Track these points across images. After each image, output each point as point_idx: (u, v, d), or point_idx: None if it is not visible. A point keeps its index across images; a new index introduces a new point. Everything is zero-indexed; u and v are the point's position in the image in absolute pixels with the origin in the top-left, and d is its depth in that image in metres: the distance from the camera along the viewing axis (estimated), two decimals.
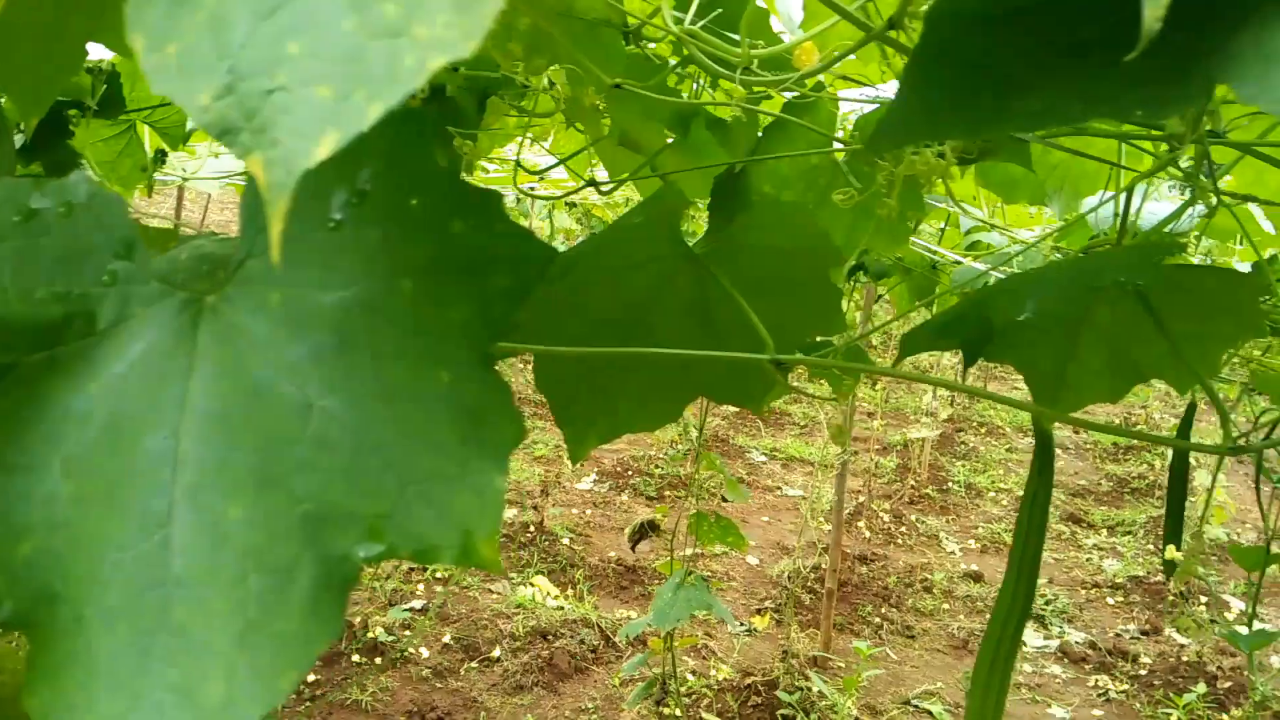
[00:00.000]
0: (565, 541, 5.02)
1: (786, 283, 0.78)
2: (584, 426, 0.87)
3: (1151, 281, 0.76)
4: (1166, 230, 1.10)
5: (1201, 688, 4.15)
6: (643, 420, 0.89)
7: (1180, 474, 2.10)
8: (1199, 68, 0.40)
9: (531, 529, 5.03)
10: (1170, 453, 2.71)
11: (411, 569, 4.56)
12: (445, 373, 0.42)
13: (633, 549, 3.09)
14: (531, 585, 4.62)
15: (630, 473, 6.35)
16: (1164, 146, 0.83)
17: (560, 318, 0.79)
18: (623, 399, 0.86)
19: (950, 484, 6.74)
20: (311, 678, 3.63)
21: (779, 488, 6.52)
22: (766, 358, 0.68)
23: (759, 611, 4.51)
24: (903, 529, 5.95)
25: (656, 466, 6.45)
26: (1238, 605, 5.24)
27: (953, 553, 5.74)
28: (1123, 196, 1.04)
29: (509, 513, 5.38)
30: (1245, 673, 4.39)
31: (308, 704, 3.51)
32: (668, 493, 6.10)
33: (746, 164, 1.06)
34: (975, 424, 8.52)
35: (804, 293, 0.78)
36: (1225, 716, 3.96)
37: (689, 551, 5.29)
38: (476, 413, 0.41)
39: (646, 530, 2.63)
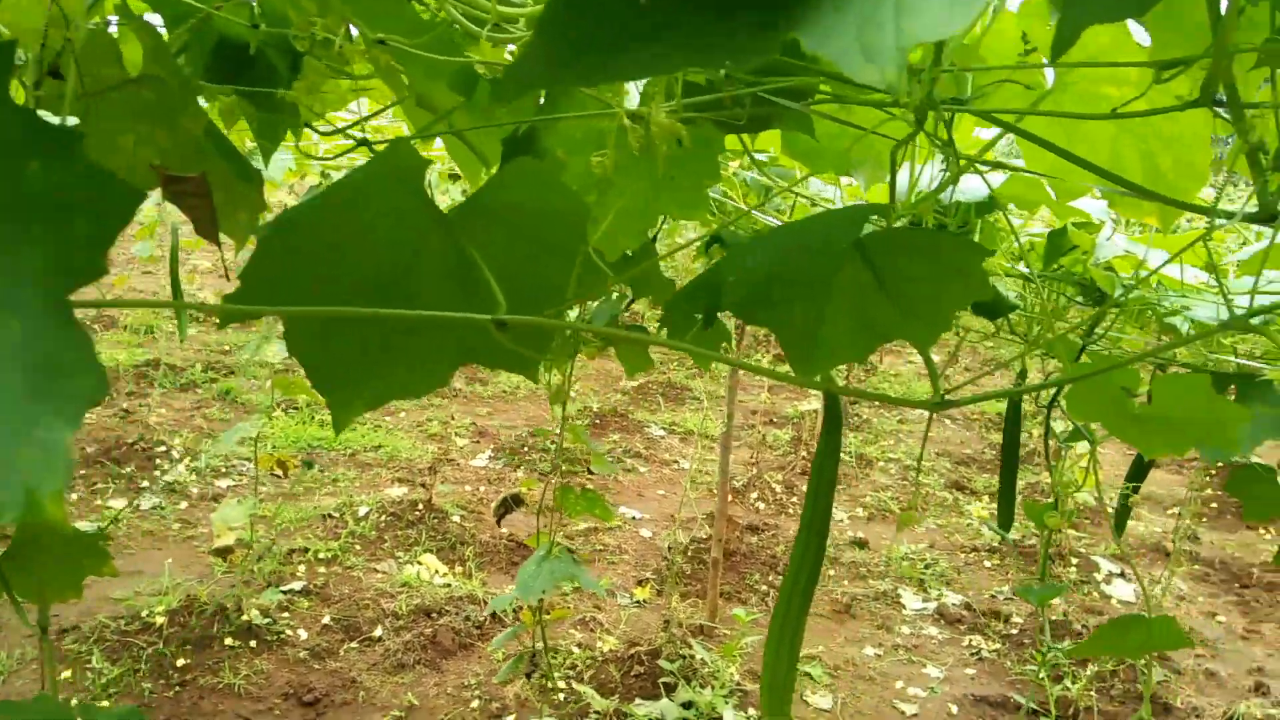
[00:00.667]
0: (456, 519, 4.98)
1: (538, 245, 0.78)
2: (348, 394, 0.85)
3: (887, 244, 0.77)
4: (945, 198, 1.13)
5: (1067, 643, 4.36)
6: (411, 385, 0.87)
7: (1011, 440, 2.20)
8: (778, 20, 0.40)
9: (420, 507, 4.97)
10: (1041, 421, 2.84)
11: (292, 550, 4.46)
12: (16, 321, 0.39)
13: (498, 523, 3.08)
14: (419, 564, 4.57)
15: (526, 449, 6.33)
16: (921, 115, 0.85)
17: (307, 279, 0.77)
18: (388, 364, 0.85)
19: (842, 455, 6.90)
20: (181, 661, 3.53)
21: (676, 461, 6.58)
22: (489, 318, 0.67)
23: (640, 583, 4.56)
24: (794, 499, 6.08)
25: (554, 443, 6.43)
26: (1107, 566, 5.52)
27: (841, 521, 5.89)
28: (906, 168, 1.06)
29: (397, 491, 5.31)
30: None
31: (176, 689, 3.41)
32: (565, 469, 6.10)
33: (532, 126, 1.05)
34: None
35: (555, 255, 0.78)
36: (1084, 670, 4.17)
37: (581, 526, 5.32)
38: (50, 365, 0.39)
39: (510, 504, 2.61)
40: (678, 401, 7.89)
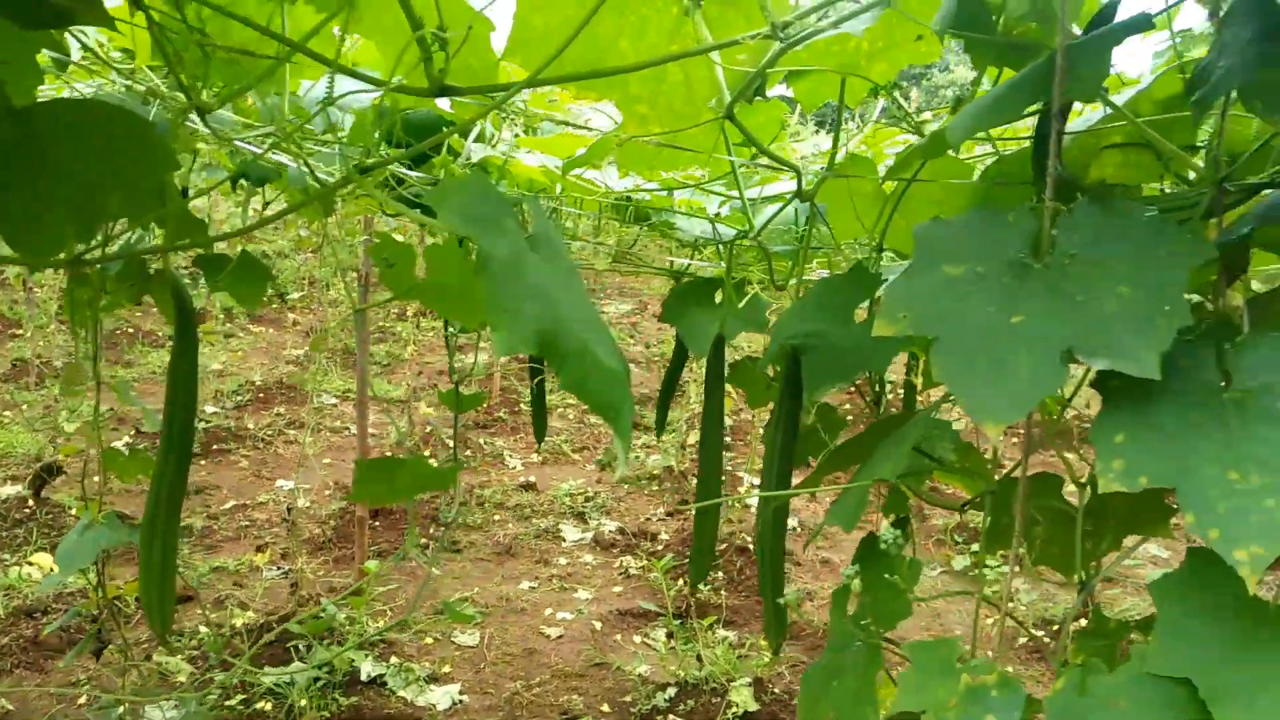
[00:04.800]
0: (74, 513, 4.55)
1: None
2: None
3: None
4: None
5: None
6: None
7: (673, 372, 2.37)
8: None
9: (30, 503, 4.49)
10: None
11: None
12: None
13: (36, 496, 2.85)
14: (30, 564, 4.15)
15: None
16: None
17: None
18: None
19: (521, 405, 7.03)
20: None
21: (347, 428, 6.41)
22: None
23: (285, 555, 4.41)
24: (467, 451, 6.12)
25: (202, 420, 6.04)
26: (749, 479, 6.02)
27: (514, 467, 6.02)
28: None
29: (9, 490, 4.77)
30: (746, 538, 5.09)
31: None
32: (216, 445, 5.76)
33: None
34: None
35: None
36: (718, 574, 4.55)
37: (229, 505, 5.05)
38: None
39: (44, 476, 2.41)
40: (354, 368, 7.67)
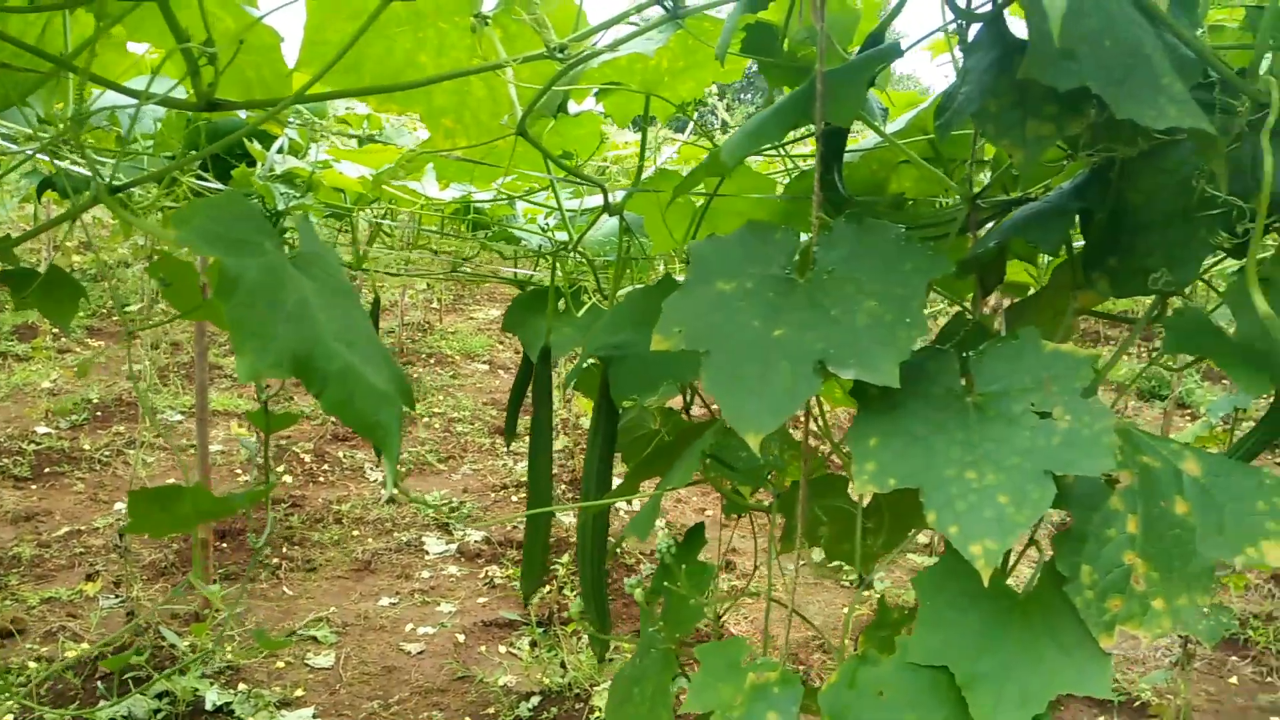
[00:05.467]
0: None
1: None
2: None
3: None
4: None
5: (566, 558, 4.74)
6: None
7: (520, 381, 2.31)
8: None
9: None
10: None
11: None
12: None
13: None
14: None
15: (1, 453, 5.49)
16: None
17: None
18: None
19: None
20: None
21: (193, 447, 6.11)
22: None
23: (89, 577, 4.18)
24: (325, 466, 5.94)
25: (32, 442, 5.65)
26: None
27: (376, 480, 5.87)
28: None
29: None
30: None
31: None
32: (48, 469, 5.39)
33: None
34: (424, 355, 8.78)
35: None
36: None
37: (63, 530, 4.74)
38: None
39: None
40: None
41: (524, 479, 5.97)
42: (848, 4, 1.11)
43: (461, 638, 4.13)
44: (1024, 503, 0.77)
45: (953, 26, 0.96)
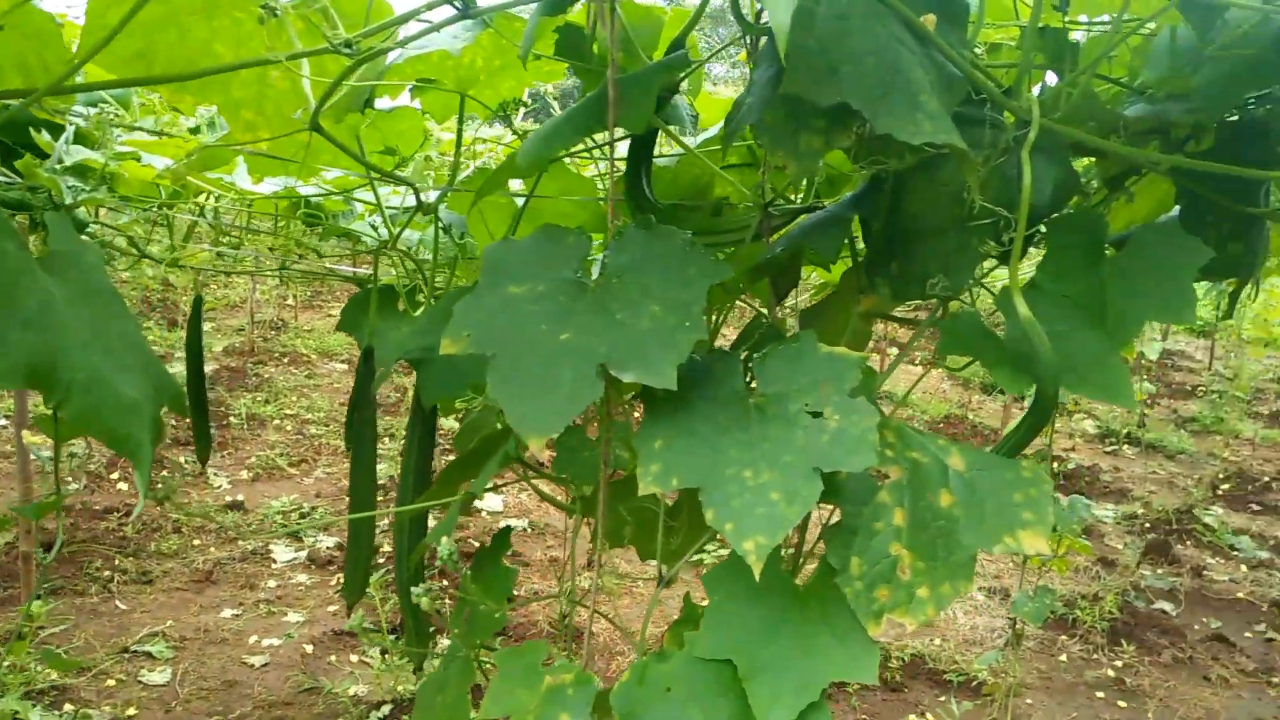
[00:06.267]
0: None
1: None
2: None
3: None
4: None
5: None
6: None
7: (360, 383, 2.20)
8: None
9: None
10: None
11: None
12: None
13: None
14: None
15: None
16: None
17: None
18: None
19: (230, 419, 6.57)
20: None
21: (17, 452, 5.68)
22: None
23: None
24: (164, 472, 5.63)
25: None
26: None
27: (220, 487, 5.61)
28: None
29: None
30: (473, 543, 5.04)
31: None
32: None
33: None
34: (278, 354, 8.44)
35: None
36: (437, 581, 4.48)
37: None
38: None
39: None
40: None
41: (382, 481, 5.82)
42: (653, 12, 1.13)
43: (310, 648, 3.99)
44: (794, 499, 0.80)
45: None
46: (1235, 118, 1.26)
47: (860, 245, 1.08)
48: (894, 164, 0.93)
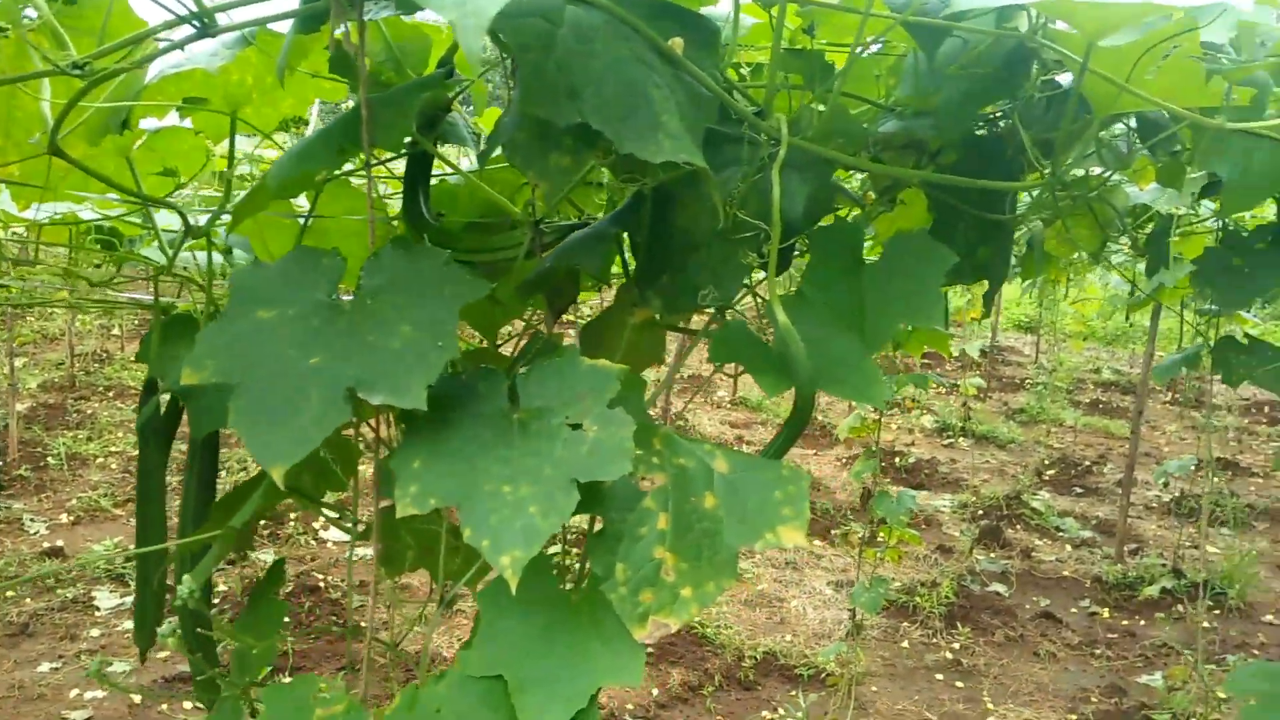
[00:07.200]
0: None
1: None
2: None
3: None
4: None
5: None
6: None
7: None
8: None
9: None
10: None
11: None
12: None
13: None
14: None
15: None
16: None
17: None
18: None
19: (49, 460, 6.11)
20: None
21: None
22: None
23: None
24: None
25: None
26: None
27: (36, 533, 5.21)
28: None
29: None
30: (318, 576, 4.86)
31: None
32: None
33: None
34: (102, 388, 7.91)
35: None
36: None
37: None
38: None
39: None
40: None
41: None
42: (420, 29, 1.13)
43: (138, 699, 3.75)
44: (551, 511, 0.81)
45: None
46: (983, 131, 1.36)
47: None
48: (650, 180, 0.96)
